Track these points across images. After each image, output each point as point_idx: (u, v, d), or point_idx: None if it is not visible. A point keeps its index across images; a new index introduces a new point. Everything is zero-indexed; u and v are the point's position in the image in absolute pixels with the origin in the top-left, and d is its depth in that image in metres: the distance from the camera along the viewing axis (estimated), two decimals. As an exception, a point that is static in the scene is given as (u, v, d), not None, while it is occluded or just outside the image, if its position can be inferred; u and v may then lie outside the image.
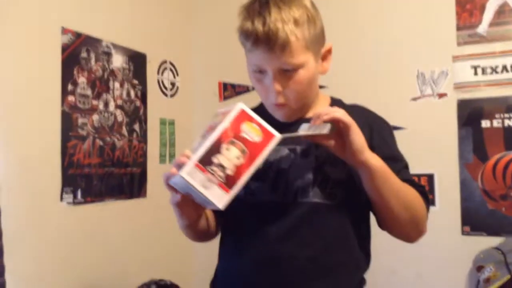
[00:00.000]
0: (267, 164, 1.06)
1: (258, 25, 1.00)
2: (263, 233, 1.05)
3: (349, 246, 1.07)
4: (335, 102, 1.18)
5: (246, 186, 0.98)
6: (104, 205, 2.03)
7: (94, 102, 1.99)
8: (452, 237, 2.09)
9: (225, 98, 2.59)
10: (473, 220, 2.06)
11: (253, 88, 1.25)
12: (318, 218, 1.05)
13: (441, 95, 2.14)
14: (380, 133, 1.11)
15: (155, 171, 2.29)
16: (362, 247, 1.09)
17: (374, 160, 0.97)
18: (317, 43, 1.07)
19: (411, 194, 1.02)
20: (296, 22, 1.01)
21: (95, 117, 1.99)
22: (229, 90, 2.58)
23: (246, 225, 1.09)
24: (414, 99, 2.19)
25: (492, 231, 2.03)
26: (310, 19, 1.04)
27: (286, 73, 1.04)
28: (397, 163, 1.07)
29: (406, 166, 1.11)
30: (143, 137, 2.27)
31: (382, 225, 1.07)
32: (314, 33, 1.05)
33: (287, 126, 1.11)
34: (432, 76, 2.16)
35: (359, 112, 1.12)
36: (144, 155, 2.27)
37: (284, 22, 1.00)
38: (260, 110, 1.11)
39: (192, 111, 2.61)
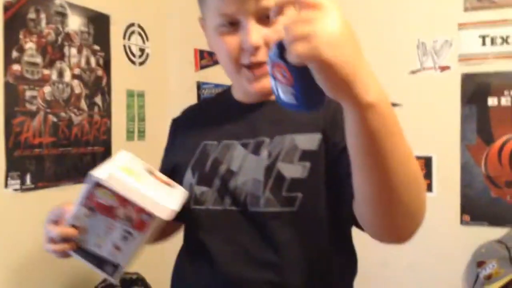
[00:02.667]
0: (215, 164, 0.87)
1: None
2: (216, 251, 0.86)
3: (324, 260, 0.84)
4: None
5: (192, 193, 0.87)
6: (60, 190, 1.78)
7: (46, 72, 1.71)
8: (450, 226, 1.89)
9: (202, 67, 2.32)
10: (474, 209, 1.86)
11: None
12: (275, 231, 0.82)
13: (443, 68, 1.90)
14: (340, 107, 0.84)
15: (121, 149, 2.03)
16: (342, 253, 0.88)
17: (375, 95, 0.58)
18: None
19: (417, 165, 0.68)
20: None
21: (47, 89, 1.72)
22: (206, 58, 2.31)
23: (196, 239, 0.90)
24: (413, 72, 1.94)
25: (494, 222, 1.84)
26: None
27: (266, 23, 0.81)
28: None
29: None
30: (107, 111, 2.00)
31: (361, 213, 0.72)
32: None
33: (250, 109, 0.92)
34: (434, 46, 1.91)
35: None
36: (108, 131, 2.01)
37: None
38: (213, 101, 1.01)
39: (164, 81, 2.34)
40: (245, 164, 0.87)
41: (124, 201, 0.79)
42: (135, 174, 0.83)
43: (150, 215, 0.79)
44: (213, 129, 0.96)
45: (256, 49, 0.82)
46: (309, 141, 0.84)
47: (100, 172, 0.80)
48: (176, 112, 1.15)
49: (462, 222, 1.88)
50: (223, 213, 0.87)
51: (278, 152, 0.85)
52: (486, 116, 1.83)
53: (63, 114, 1.78)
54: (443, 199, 1.89)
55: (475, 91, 1.85)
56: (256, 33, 0.81)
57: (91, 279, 1.80)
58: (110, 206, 0.80)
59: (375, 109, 0.58)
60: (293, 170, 0.83)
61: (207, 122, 1.00)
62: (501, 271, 1.66)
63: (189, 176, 0.92)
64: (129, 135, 2.13)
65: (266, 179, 0.83)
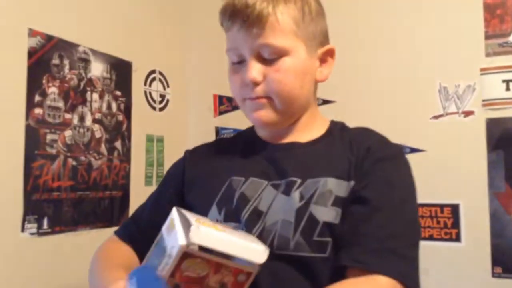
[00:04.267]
0: (242, 199, 0.84)
1: None
2: None
3: None
4: (335, 126, 0.95)
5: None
6: (77, 235, 1.75)
7: (67, 116, 1.73)
8: (480, 279, 1.78)
9: (221, 113, 2.32)
10: (506, 260, 1.76)
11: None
12: (302, 276, 0.79)
13: (467, 113, 1.86)
14: (376, 161, 0.83)
15: (139, 195, 2.00)
16: None
17: None
18: (314, 38, 0.87)
19: None
20: (286, 1, 0.83)
21: (68, 133, 1.72)
22: (225, 104, 2.31)
23: None
24: (436, 117, 1.91)
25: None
26: (307, 8, 0.85)
27: (267, 62, 0.85)
28: (389, 221, 0.78)
29: (404, 239, 0.78)
30: (126, 156, 1.99)
31: None
32: (310, 23, 0.85)
33: (277, 149, 0.89)
34: (457, 91, 1.88)
35: (359, 135, 0.89)
36: (127, 176, 1.99)
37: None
38: (234, 138, 0.98)
39: (183, 127, 2.34)
40: (275, 205, 0.83)
41: (218, 265, 0.68)
42: (208, 224, 0.72)
43: (248, 274, 0.70)
44: (239, 165, 0.93)
45: (255, 84, 0.85)
46: (342, 187, 0.82)
47: (181, 238, 0.67)
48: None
49: (494, 274, 1.78)
50: None
51: (311, 195, 0.82)
52: (514, 162, 1.77)
53: (82, 158, 1.78)
54: (472, 250, 1.80)
55: (501, 136, 1.80)
56: (254, 69, 0.84)
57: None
58: (200, 277, 0.68)
59: None
60: (326, 214, 0.80)
61: (231, 158, 0.96)
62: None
63: (214, 213, 0.88)
64: (148, 180, 2.11)
65: (298, 222, 0.80)
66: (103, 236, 1.87)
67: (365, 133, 0.91)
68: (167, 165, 2.19)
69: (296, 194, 0.82)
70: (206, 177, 0.95)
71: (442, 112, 1.90)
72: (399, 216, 0.80)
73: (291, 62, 0.84)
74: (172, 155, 2.23)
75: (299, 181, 0.84)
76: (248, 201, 0.85)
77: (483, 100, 1.84)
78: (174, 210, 0.78)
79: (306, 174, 0.85)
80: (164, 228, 0.78)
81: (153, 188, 2.15)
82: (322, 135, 0.92)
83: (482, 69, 1.84)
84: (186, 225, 0.71)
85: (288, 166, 0.87)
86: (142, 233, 1.00)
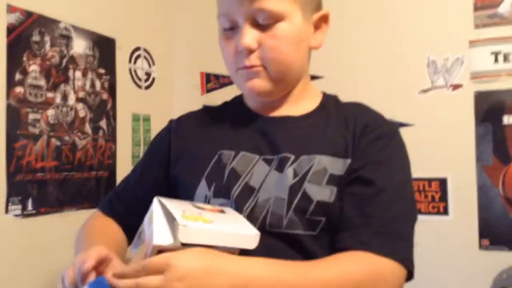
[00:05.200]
0: (233, 175, 0.81)
1: None
2: None
3: None
4: (328, 99, 0.91)
5: (208, 203, 0.81)
6: (63, 216, 1.73)
7: (49, 95, 1.69)
8: (468, 252, 1.80)
9: (208, 90, 2.29)
10: (493, 232, 1.78)
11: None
12: (295, 252, 0.78)
13: (455, 87, 1.85)
14: (374, 140, 0.82)
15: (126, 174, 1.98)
16: None
17: None
18: (310, 2, 0.84)
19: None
20: None
21: (51, 112, 1.69)
22: (213, 81, 2.28)
23: None
24: (424, 91, 1.89)
25: (515, 245, 1.75)
26: None
27: (262, 28, 0.80)
28: (393, 203, 0.78)
29: (403, 214, 0.79)
30: (112, 136, 1.96)
31: None
32: None
33: (269, 122, 0.87)
34: (445, 64, 1.86)
35: (354, 111, 0.86)
36: (113, 156, 1.96)
37: None
38: (222, 108, 0.93)
39: (170, 105, 2.31)
40: (267, 181, 0.81)
41: None
42: (195, 217, 0.71)
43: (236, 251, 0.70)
44: (229, 138, 0.88)
45: (249, 52, 0.80)
46: (337, 164, 0.80)
47: (161, 237, 0.67)
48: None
49: (481, 246, 1.79)
50: None
51: (306, 172, 0.80)
52: (502, 135, 1.77)
53: (66, 138, 1.75)
54: (460, 223, 1.81)
55: (490, 109, 1.79)
56: (249, 35, 0.80)
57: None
58: None
59: None
60: (321, 193, 0.78)
61: (220, 129, 0.91)
62: (525, 298, 1.57)
63: (203, 188, 0.85)
64: (134, 160, 2.08)
65: (291, 199, 0.78)
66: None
67: (360, 109, 0.89)
68: (154, 144, 2.17)
69: (289, 171, 0.80)
70: (193, 150, 0.91)
71: (430, 86, 1.88)
72: (401, 197, 0.80)
73: (287, 28, 0.80)
74: (159, 134, 2.20)
75: (292, 157, 0.81)
76: (239, 176, 0.82)
77: (472, 73, 1.82)
78: (155, 202, 0.76)
79: (300, 150, 0.82)
80: (145, 219, 0.76)
81: (140, 167, 2.14)
82: (315, 108, 0.89)
83: (471, 42, 1.83)
84: (170, 219, 0.69)
85: (281, 140, 0.84)
86: (126, 208, 0.97)
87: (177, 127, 0.97)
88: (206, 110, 1.00)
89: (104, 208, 1.02)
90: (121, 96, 2.01)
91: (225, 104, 0.99)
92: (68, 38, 1.77)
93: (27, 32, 1.61)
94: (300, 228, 0.78)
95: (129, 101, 2.05)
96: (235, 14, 0.81)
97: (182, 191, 0.89)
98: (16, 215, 1.56)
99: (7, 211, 1.54)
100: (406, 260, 0.75)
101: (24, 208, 1.59)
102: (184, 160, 0.92)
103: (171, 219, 0.69)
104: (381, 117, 0.88)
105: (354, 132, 0.83)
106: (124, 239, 0.95)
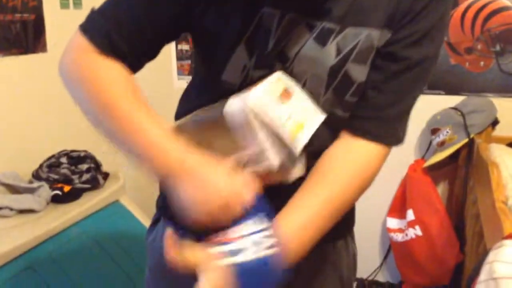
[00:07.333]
0: (278, 43, 0.69)
1: None
2: None
3: None
4: None
5: (247, 74, 0.72)
6: (-11, 63, 1.59)
7: None
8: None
9: None
10: (431, 77, 1.83)
11: None
12: (328, 132, 0.75)
13: None
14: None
15: (55, 18, 1.80)
16: None
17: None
18: None
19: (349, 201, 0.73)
20: None
21: None
22: None
23: None
24: None
25: (452, 90, 1.83)
26: None
27: None
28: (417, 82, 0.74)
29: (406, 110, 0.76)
30: (34, -28, 1.73)
31: None
32: None
33: None
34: None
35: None
36: (38, -5, 1.76)
37: None
38: None
39: None
40: (304, 52, 0.70)
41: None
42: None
43: None
44: None
45: None
46: (383, 38, 0.70)
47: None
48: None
49: (419, 90, 1.86)
50: None
51: (350, 50, 0.70)
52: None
53: (-20, -27, 1.52)
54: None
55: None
56: None
57: (38, 158, 1.69)
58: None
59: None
60: (362, 73, 0.71)
61: None
62: (454, 137, 1.69)
63: (243, 54, 0.70)
64: (63, 3, 1.88)
65: (331, 80, 0.71)
66: (20, 64, 1.71)
67: None
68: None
69: (332, 47, 0.69)
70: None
71: None
72: (425, 77, 0.77)
73: None
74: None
75: (337, 28, 0.68)
76: (282, 45, 0.70)
77: None
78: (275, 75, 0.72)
79: (346, 18, 0.68)
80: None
81: (71, 11, 1.94)
82: None
83: None
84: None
85: (328, 2, 0.69)
86: (131, 49, 0.71)
87: None
88: None
89: (102, 44, 0.69)
90: None
91: None
92: None
93: None
94: (338, 109, 0.73)
95: None
96: None
97: (209, 50, 0.74)
98: None
99: None
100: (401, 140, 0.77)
101: None
102: (217, 8, 0.70)
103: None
104: None
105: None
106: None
